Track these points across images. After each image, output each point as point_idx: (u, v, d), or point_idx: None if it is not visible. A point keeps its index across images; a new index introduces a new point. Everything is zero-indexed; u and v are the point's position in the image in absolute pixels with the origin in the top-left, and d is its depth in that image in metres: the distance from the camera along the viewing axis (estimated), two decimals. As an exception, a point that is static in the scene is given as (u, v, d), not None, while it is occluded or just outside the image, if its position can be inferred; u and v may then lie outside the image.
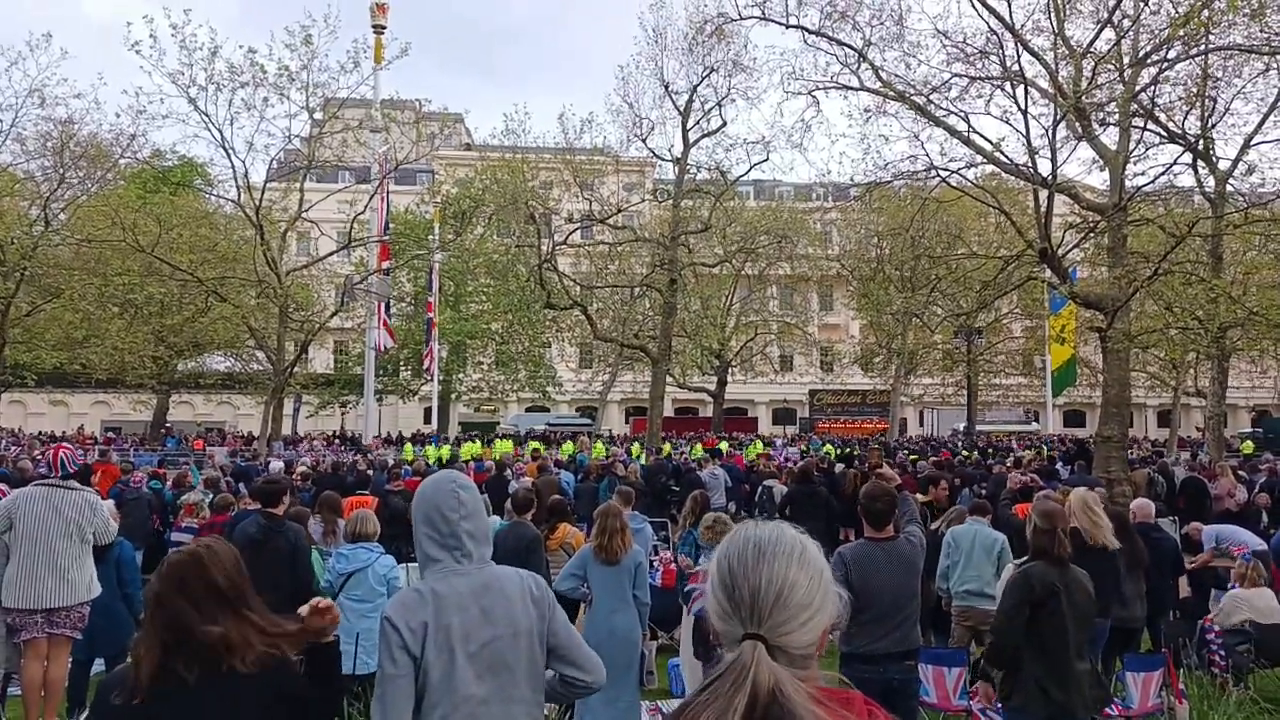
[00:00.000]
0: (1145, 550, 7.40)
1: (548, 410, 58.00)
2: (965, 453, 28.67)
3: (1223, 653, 7.54)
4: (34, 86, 27.68)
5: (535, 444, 30.51)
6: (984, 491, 14.23)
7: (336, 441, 40.20)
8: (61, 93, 43.30)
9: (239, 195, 30.03)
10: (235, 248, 32.50)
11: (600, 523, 6.53)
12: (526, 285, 35.99)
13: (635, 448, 30.23)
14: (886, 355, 43.46)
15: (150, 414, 42.06)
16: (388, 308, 29.87)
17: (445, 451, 27.17)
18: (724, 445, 31.32)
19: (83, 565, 6.51)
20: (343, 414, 50.70)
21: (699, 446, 30.60)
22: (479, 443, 32.60)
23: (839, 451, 28.29)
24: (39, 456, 17.22)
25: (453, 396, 48.64)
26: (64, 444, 7.37)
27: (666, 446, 29.73)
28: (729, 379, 47.71)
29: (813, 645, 1.43)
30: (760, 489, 15.02)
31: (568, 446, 30.22)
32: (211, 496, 10.61)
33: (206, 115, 26.28)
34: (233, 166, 27.68)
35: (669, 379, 37.98)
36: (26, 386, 31.94)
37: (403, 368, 47.85)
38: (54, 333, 29.70)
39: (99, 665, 7.18)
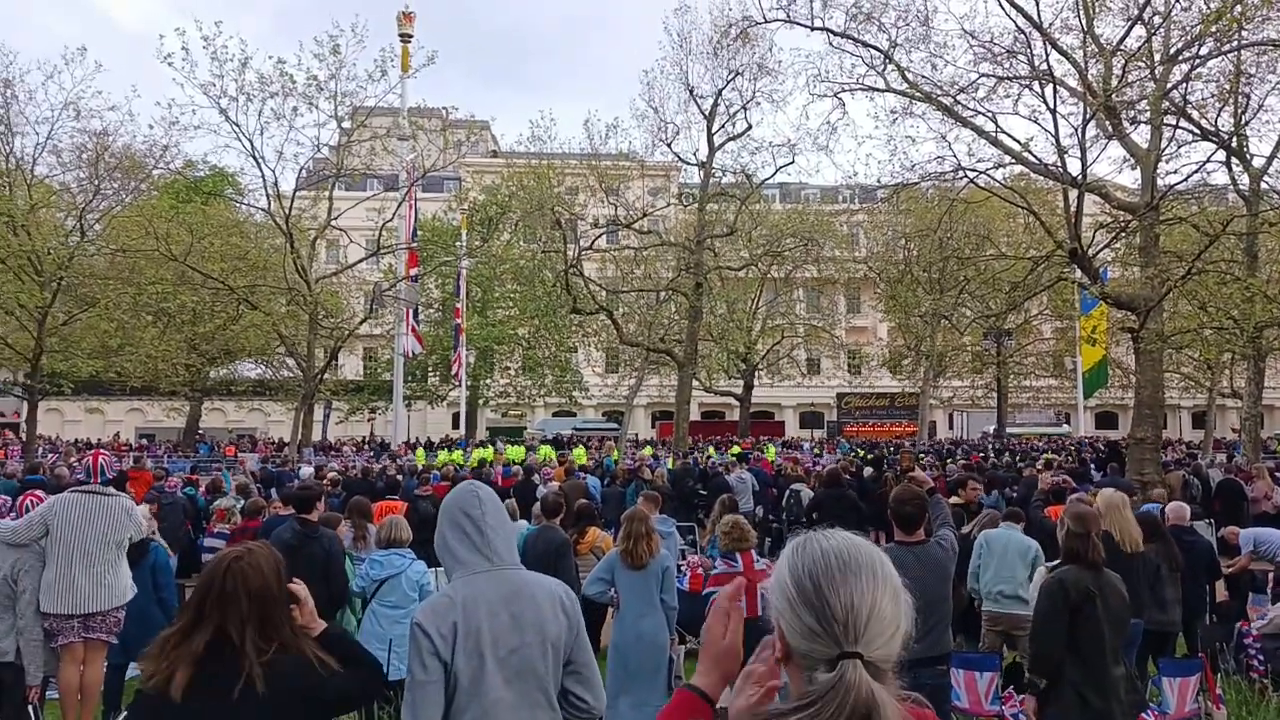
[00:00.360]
0: (1179, 553, 7.28)
1: (574, 415, 58.12)
2: (994, 456, 28.37)
3: (1261, 657, 7.40)
4: (69, 99, 28.26)
5: (579, 451, 30.43)
6: (1014, 494, 14.08)
7: (366, 447, 40.54)
8: (96, 105, 44.20)
9: (269, 204, 30.42)
10: (265, 256, 32.92)
11: (627, 527, 6.52)
12: (553, 290, 36.10)
13: (648, 449, 30.15)
14: (915, 358, 43.10)
15: (183, 421, 42.69)
16: (416, 314, 30.07)
17: (488, 453, 27.35)
18: (735, 449, 31.34)
19: (118, 570, 6.60)
20: (371, 420, 51.11)
21: (736, 447, 30.52)
22: (522, 447, 32.85)
23: (868, 454, 28.10)
24: (75, 464, 17.49)
25: (480, 402, 48.88)
26: (101, 450, 7.49)
27: (711, 450, 29.57)
28: (755, 382, 47.53)
29: (895, 658, 1.41)
30: (788, 493, 14.95)
31: (579, 452, 30.22)
32: (243, 502, 10.72)
33: (237, 125, 26.69)
34: (263, 175, 28.13)
35: (695, 383, 37.93)
36: (63, 394, 32.46)
37: (431, 373, 48.14)
38: (89, 341, 30.23)
39: (133, 669, 7.28)
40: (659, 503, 9.48)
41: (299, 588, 2.80)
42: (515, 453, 31.03)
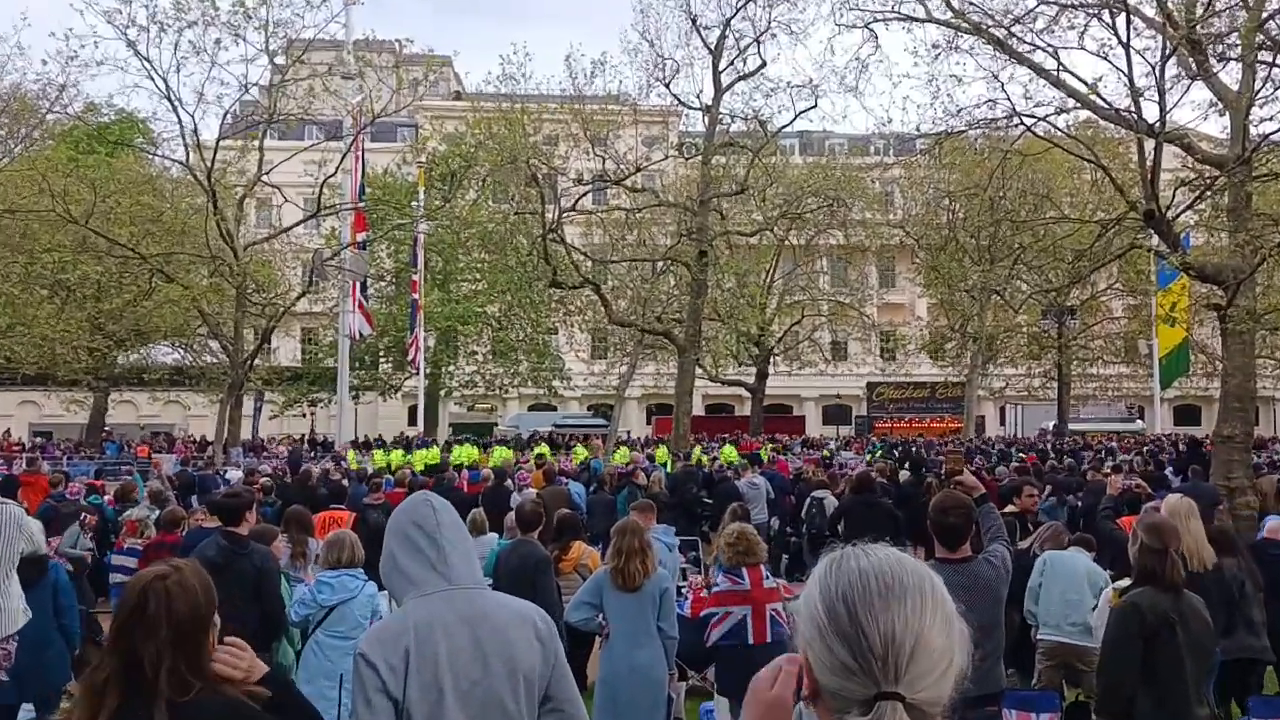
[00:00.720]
0: (1261, 570, 7.33)
1: (554, 409, 58.02)
2: (1055, 457, 28.50)
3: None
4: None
5: (541, 448, 30.62)
6: (1079, 503, 14.14)
7: (305, 446, 40.47)
8: (-23, 37, 43.91)
9: (187, 156, 30.25)
10: (184, 218, 32.80)
11: (618, 542, 6.54)
12: (528, 260, 36.07)
13: (661, 451, 30.27)
14: (960, 340, 43.18)
15: (86, 415, 42.56)
16: (364, 288, 29.98)
17: (434, 455, 27.45)
18: (728, 450, 31.45)
19: (7, 592, 6.57)
20: (312, 414, 51.04)
21: (730, 449, 30.65)
22: (475, 447, 32.81)
23: (904, 455, 28.17)
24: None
25: (442, 393, 48.84)
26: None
27: (696, 451, 29.74)
28: (770, 370, 47.62)
29: (945, 700, 1.39)
30: (809, 501, 15.02)
31: (579, 452, 30.32)
32: (158, 513, 10.71)
33: (148, 61, 26.48)
34: (179, 122, 27.94)
35: (698, 371, 37.94)
36: (-60, 384, 32.39)
37: (383, 359, 48.04)
38: (-29, 320, 30.09)
39: (27, 711, 7.25)
40: (656, 512, 9.50)
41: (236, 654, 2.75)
42: (501, 453, 31.04)
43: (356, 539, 7.31)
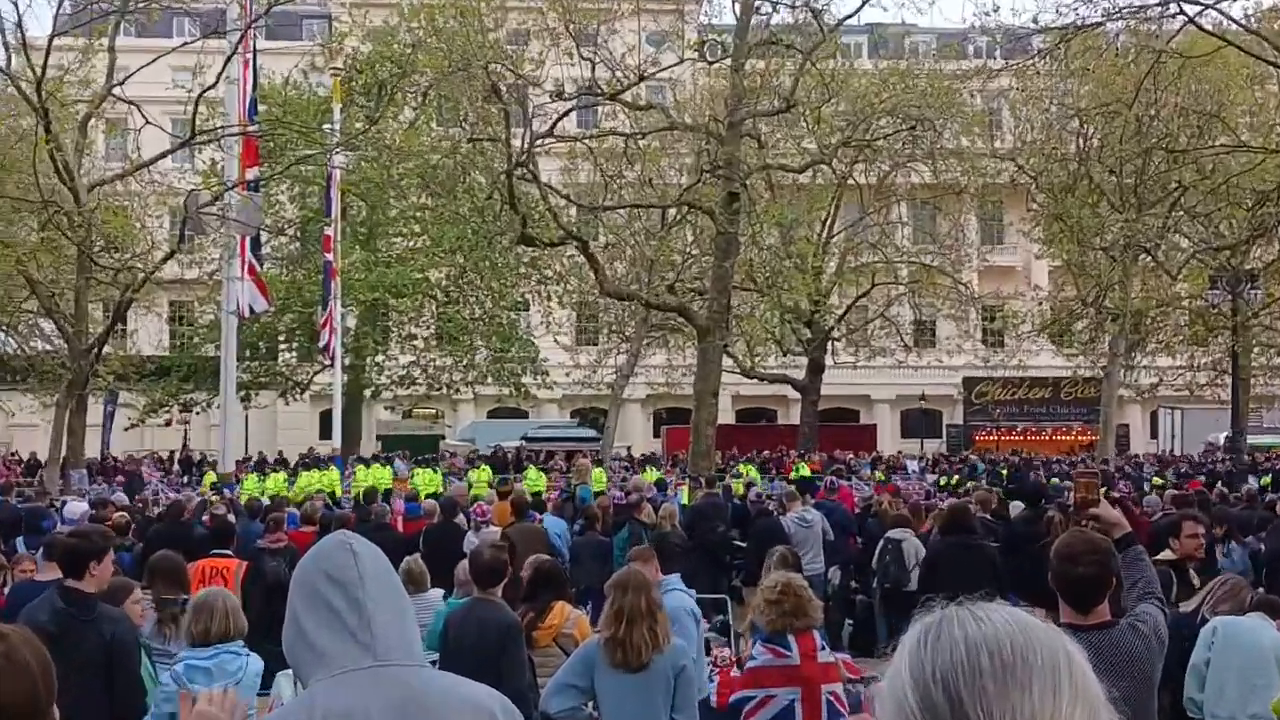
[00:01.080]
0: None
1: (525, 415, 57.97)
2: (1228, 482, 28.47)
3: None
4: None
5: (531, 473, 30.63)
6: (1262, 546, 14.12)
7: (176, 468, 40.45)
8: None
9: (7, 60, 30.16)
10: (3, 146, 32.70)
11: (616, 601, 6.57)
12: (487, 206, 35.96)
13: (650, 473, 30.23)
14: (1095, 319, 43.09)
15: None
16: (257, 246, 29.90)
17: (382, 474, 27.70)
18: (749, 469, 31.33)
19: None
20: (185, 424, 51.06)
21: (749, 469, 30.70)
22: (436, 472, 32.89)
23: (1015, 479, 28.17)
24: None
25: (367, 393, 48.84)
26: None
27: (750, 476, 29.72)
28: (828, 361, 47.56)
29: None
30: (882, 544, 15.04)
31: (533, 476, 30.33)
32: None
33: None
34: (-3, 12, 27.91)
35: (727, 362, 37.88)
36: None
37: (284, 346, 47.99)
38: None
39: None
40: (668, 560, 9.49)
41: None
42: (427, 479, 30.99)
43: (233, 601, 7.30)
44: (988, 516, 16.07)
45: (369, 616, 2.87)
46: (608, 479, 29.99)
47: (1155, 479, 32.82)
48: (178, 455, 48.24)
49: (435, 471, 33.91)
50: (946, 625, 1.50)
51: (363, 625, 2.87)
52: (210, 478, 32.73)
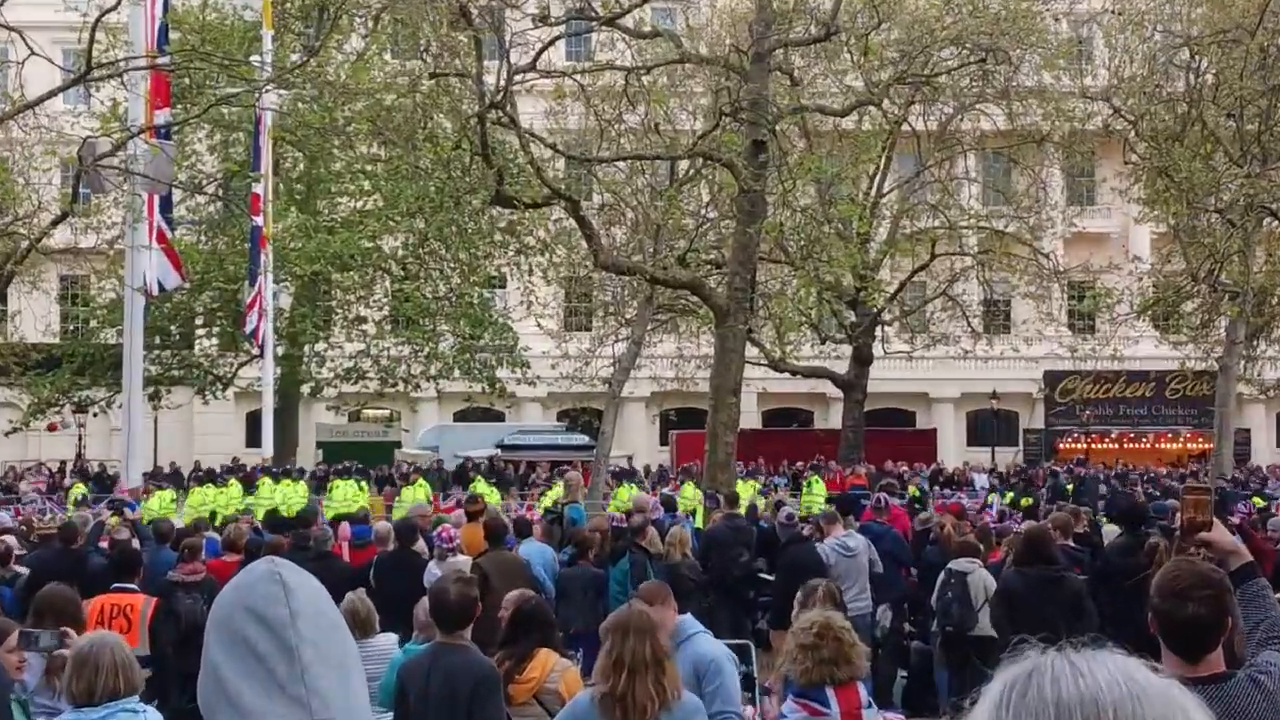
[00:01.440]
0: None
1: (502, 417, 57.97)
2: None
3: None
4: None
5: (478, 484, 30.73)
6: None
7: (68, 482, 40.44)
8: None
9: None
10: None
11: (614, 647, 6.59)
12: (455, 158, 35.88)
13: (689, 490, 30.26)
14: (1208, 298, 43.06)
15: None
16: (168, 207, 29.90)
17: (356, 496, 27.84)
18: (748, 487, 31.37)
19: None
20: (81, 427, 51.06)
21: (749, 486, 30.72)
22: (358, 482, 32.88)
23: (1107, 493, 28.20)
24: None
25: (305, 389, 48.83)
26: None
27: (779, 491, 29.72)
28: (877, 350, 47.49)
29: None
30: (944, 577, 15.04)
31: (555, 491, 30.43)
32: None
33: None
34: None
35: (752, 352, 37.85)
36: None
37: (202, 331, 47.96)
38: None
39: None
40: (679, 598, 9.49)
41: None
42: (344, 493, 31.00)
43: (123, 653, 7.27)
44: (1071, 544, 16.05)
45: (303, 665, 2.85)
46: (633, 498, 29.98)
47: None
48: (70, 466, 48.24)
49: (353, 484, 33.80)
50: (1038, 680, 1.50)
51: (294, 676, 2.82)
52: (78, 490, 32.66)
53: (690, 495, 30.93)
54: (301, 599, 2.88)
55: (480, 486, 32.67)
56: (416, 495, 31.24)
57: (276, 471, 37.05)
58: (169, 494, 31.95)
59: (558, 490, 31.16)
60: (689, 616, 9.27)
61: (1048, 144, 47.64)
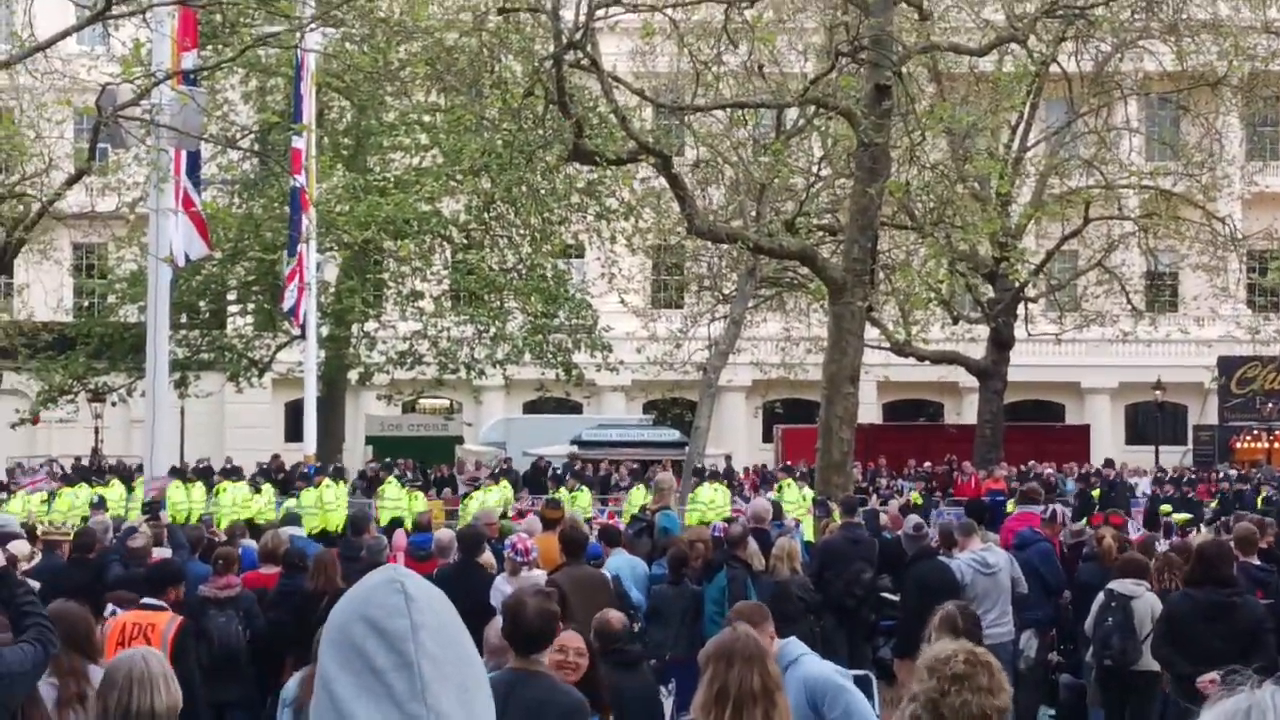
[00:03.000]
0: None
1: (579, 410, 58.10)
2: None
3: None
4: None
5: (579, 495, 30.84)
6: None
7: (79, 478, 40.93)
8: None
9: None
10: None
11: (716, 677, 6.62)
12: (527, 107, 35.99)
13: (790, 491, 30.23)
14: None
15: None
16: (195, 166, 30.17)
17: (411, 501, 28.17)
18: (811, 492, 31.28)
19: None
20: (98, 418, 51.63)
21: (789, 490, 30.76)
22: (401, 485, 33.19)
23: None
24: None
25: (353, 376, 49.15)
26: None
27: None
28: (1019, 332, 47.20)
29: None
30: (1102, 600, 14.93)
31: (636, 495, 30.58)
32: None
33: None
34: None
35: (870, 331, 37.73)
36: None
37: (235, 309, 48.35)
38: None
39: None
40: (785, 622, 9.51)
41: None
42: (500, 493, 31.17)
43: (161, 666, 7.36)
44: (1255, 562, 15.91)
45: (423, 682, 2.89)
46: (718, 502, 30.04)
47: None
48: (86, 463, 48.67)
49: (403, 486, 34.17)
50: (1257, 715, 1.51)
51: (413, 693, 2.83)
52: (63, 499, 32.86)
53: (794, 499, 30.87)
54: (425, 610, 2.90)
55: (635, 490, 32.86)
56: (489, 499, 31.31)
57: (312, 471, 37.29)
58: (194, 489, 32.29)
59: (638, 495, 31.29)
60: (793, 640, 9.25)
61: (1224, 88, 47.18)
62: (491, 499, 32.84)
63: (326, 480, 34.19)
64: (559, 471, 44.41)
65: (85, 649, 8.94)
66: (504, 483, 37.23)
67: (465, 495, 35.74)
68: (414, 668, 2.85)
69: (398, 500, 33.05)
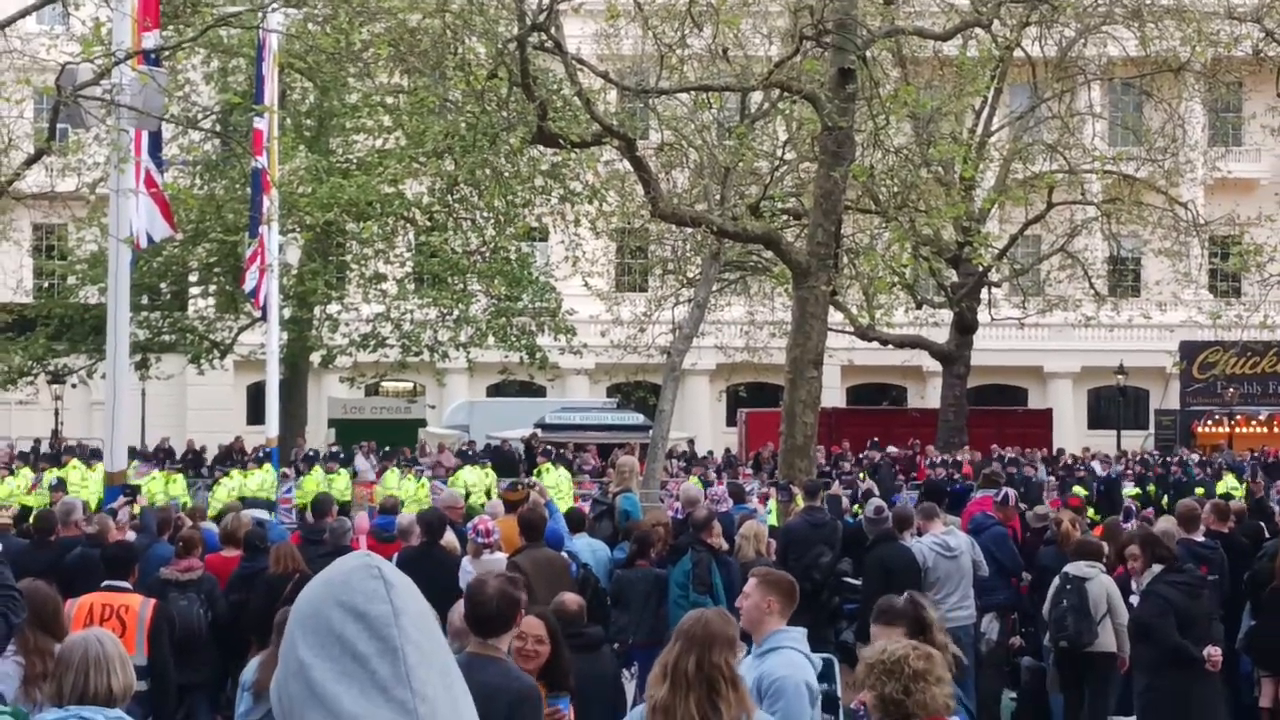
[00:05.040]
0: None
1: (542, 392, 58.10)
2: None
3: None
4: None
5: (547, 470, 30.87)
6: None
7: (41, 464, 40.80)
8: None
9: None
10: None
11: (665, 654, 6.74)
12: (490, 89, 35.97)
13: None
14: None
15: None
16: (157, 146, 30.05)
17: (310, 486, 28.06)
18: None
19: None
20: (58, 400, 51.48)
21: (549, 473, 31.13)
22: (392, 470, 33.22)
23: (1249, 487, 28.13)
24: None
25: (315, 358, 49.07)
26: None
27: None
28: (983, 316, 47.31)
29: None
30: (1058, 583, 15.04)
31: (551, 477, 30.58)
32: None
33: None
34: None
35: (834, 315, 37.80)
36: None
37: (197, 290, 48.21)
38: None
39: None
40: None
41: None
42: (403, 487, 31.13)
43: (116, 648, 7.35)
44: (1198, 538, 16.04)
45: (408, 666, 2.86)
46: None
47: None
48: (45, 446, 48.55)
49: (413, 475, 34.12)
50: None
51: (399, 678, 2.83)
52: (50, 475, 32.97)
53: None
54: (404, 596, 2.91)
55: (549, 473, 32.88)
56: (469, 480, 31.27)
57: (378, 453, 37.46)
58: (173, 478, 32.24)
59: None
60: (790, 630, 9.16)
61: (1186, 73, 47.30)
62: (472, 479, 33.01)
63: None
64: (532, 450, 44.64)
65: (53, 628, 8.94)
66: (485, 465, 37.32)
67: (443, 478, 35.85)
68: (399, 653, 2.84)
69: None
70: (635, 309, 49.81)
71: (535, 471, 35.31)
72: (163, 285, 46.92)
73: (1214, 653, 12.80)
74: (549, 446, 46.93)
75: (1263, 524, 20.76)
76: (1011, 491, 23.33)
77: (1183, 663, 12.89)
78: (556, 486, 32.00)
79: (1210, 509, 19.01)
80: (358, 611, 2.86)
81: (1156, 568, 13.43)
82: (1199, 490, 32.29)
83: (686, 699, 6.49)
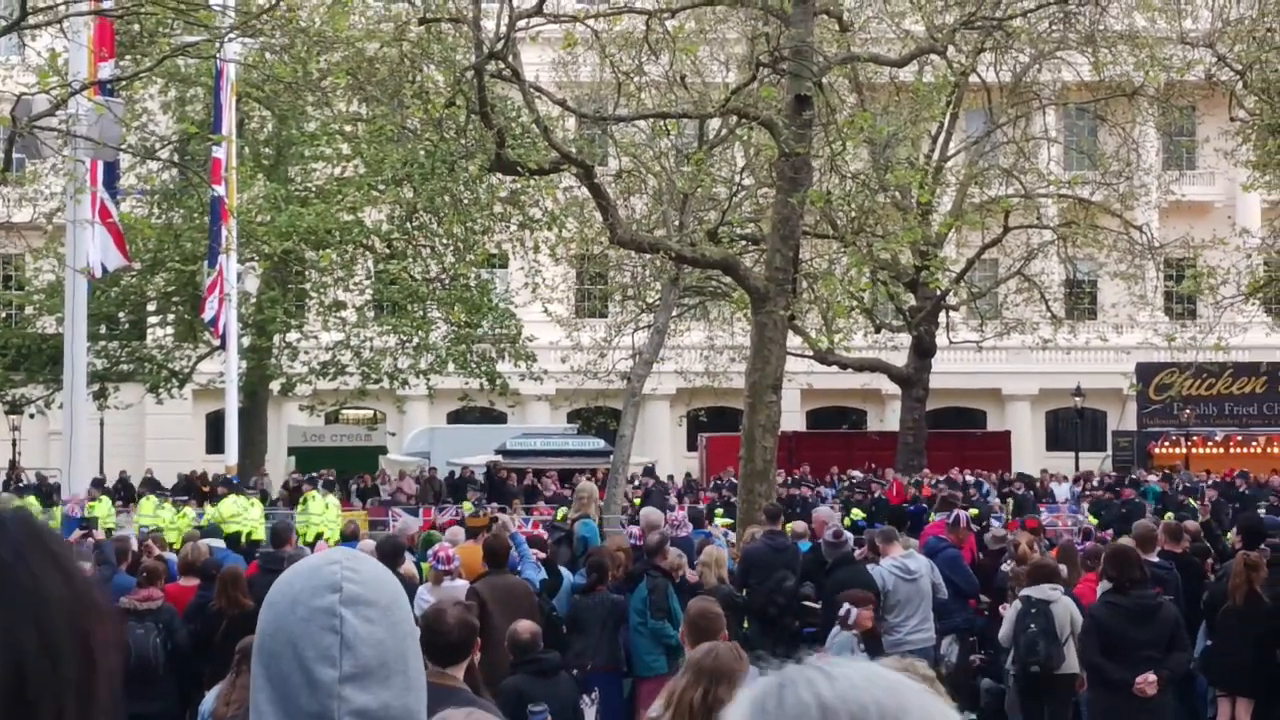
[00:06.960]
0: None
1: (502, 418, 57.94)
2: None
3: None
4: None
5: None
6: None
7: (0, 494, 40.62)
8: None
9: None
10: None
11: (684, 689, 6.69)
12: (449, 118, 35.92)
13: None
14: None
15: None
16: (112, 176, 29.95)
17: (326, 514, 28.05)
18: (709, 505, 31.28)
19: None
20: (15, 430, 51.20)
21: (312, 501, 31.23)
22: (324, 494, 33.07)
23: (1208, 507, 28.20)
24: None
25: (274, 387, 48.90)
26: None
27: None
28: (941, 339, 47.37)
29: None
30: (1020, 606, 14.99)
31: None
32: None
33: None
34: None
35: (793, 339, 37.80)
36: None
37: (155, 319, 48.02)
38: None
39: None
40: (711, 632, 9.51)
41: None
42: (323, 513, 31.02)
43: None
44: (1153, 559, 16.06)
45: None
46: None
47: None
48: (2, 476, 48.35)
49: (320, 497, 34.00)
50: (790, 689, 1.58)
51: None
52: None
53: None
54: (361, 657, 2.82)
55: (314, 501, 33.56)
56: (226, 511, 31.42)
57: (314, 478, 37.31)
58: (105, 504, 32.19)
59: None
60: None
61: (1140, 98, 47.55)
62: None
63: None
64: (480, 480, 44.52)
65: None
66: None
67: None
68: (332, 710, 2.76)
69: (320, 514, 33.01)
70: (595, 335, 49.72)
71: (300, 500, 35.23)
72: (121, 314, 46.79)
73: (1145, 679, 12.79)
74: (510, 471, 46.82)
75: (1209, 545, 20.99)
76: (963, 513, 23.26)
77: (1114, 684, 12.97)
78: (322, 514, 32.07)
79: (1163, 530, 19.09)
80: (305, 667, 2.79)
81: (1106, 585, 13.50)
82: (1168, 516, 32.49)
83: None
